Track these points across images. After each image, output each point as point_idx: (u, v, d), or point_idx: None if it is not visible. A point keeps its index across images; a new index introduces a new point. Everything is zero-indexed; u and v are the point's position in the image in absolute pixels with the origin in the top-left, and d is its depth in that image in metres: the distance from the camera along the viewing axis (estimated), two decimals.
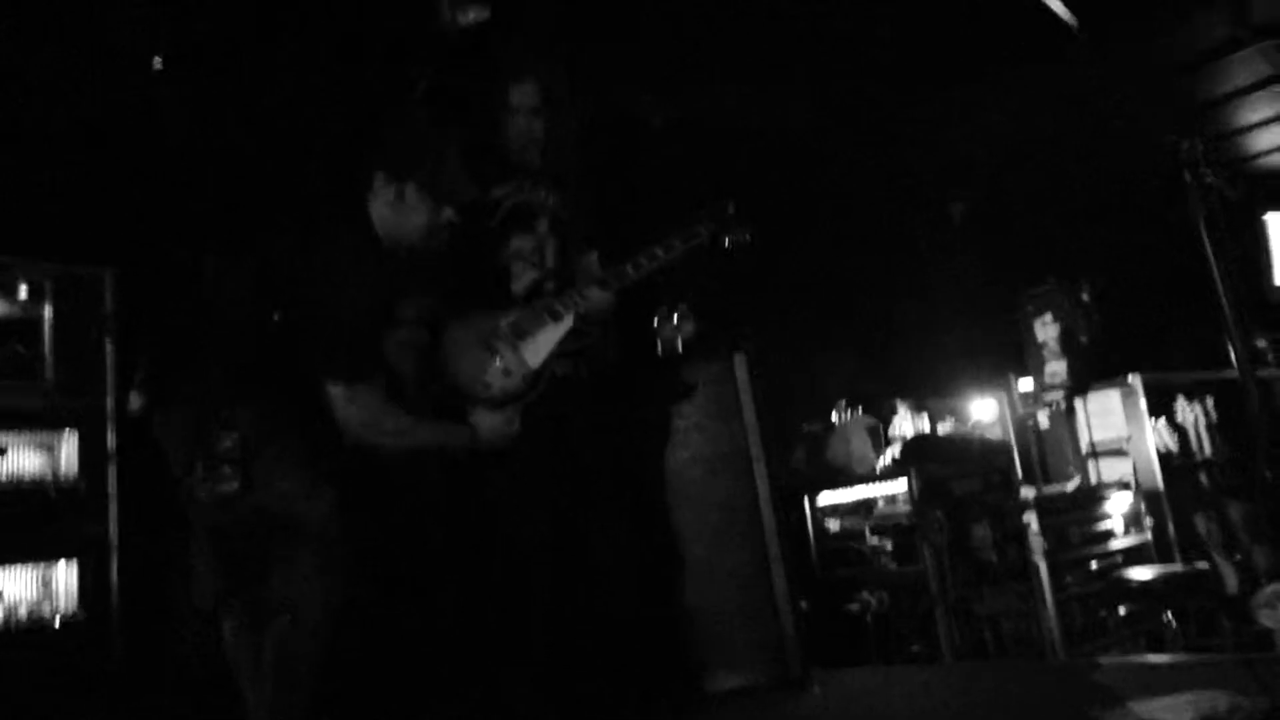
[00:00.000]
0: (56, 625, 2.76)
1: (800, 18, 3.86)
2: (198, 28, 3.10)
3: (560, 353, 2.64)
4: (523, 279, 2.74)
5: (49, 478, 2.85)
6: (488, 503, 2.64)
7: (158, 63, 3.20)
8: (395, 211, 2.31)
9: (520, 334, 2.61)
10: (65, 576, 2.80)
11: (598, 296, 2.65)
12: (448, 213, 2.36)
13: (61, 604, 2.78)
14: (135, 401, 2.30)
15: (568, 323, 2.63)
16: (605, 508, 2.72)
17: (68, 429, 2.91)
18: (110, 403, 3.00)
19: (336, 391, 2.17)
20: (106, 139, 3.15)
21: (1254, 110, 5.34)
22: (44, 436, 2.88)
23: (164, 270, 3.00)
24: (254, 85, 3.19)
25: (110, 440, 2.99)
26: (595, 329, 2.73)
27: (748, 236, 2.72)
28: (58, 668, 2.71)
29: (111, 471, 2.97)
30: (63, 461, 2.90)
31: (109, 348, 3.03)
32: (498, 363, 2.55)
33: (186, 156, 3.19)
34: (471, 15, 3.31)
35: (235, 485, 2.09)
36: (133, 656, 2.84)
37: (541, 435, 2.57)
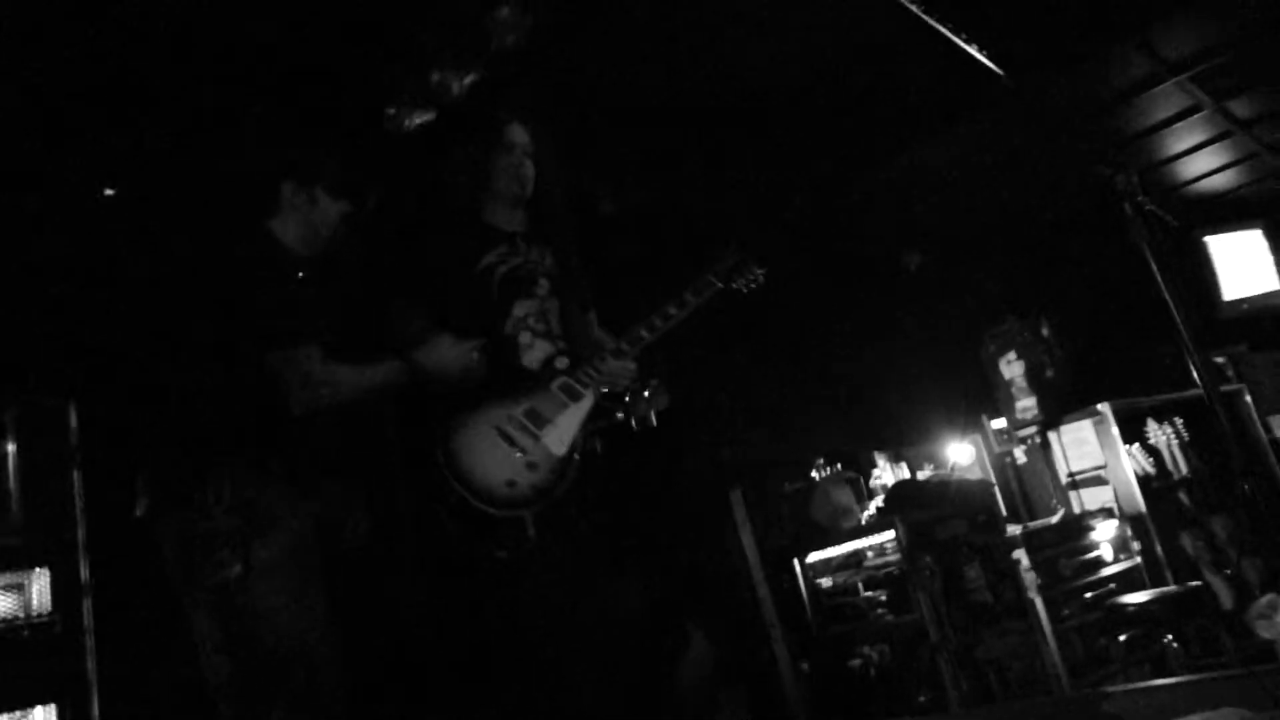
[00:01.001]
0: None
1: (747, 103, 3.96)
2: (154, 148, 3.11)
3: (588, 433, 2.44)
4: (533, 350, 2.53)
5: (20, 617, 2.76)
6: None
7: (108, 192, 3.21)
8: (307, 215, 2.43)
9: (539, 421, 2.38)
10: None
11: (616, 367, 2.47)
12: (342, 205, 2.45)
13: None
14: (141, 507, 2.30)
15: (589, 401, 2.44)
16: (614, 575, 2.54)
17: (38, 567, 2.83)
18: (81, 535, 2.93)
19: (272, 359, 2.18)
20: (64, 271, 3.14)
21: (1179, 140, 5.54)
22: (13, 576, 2.79)
23: (128, 396, 2.97)
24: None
25: (84, 573, 2.91)
26: (619, 403, 2.54)
27: (759, 274, 2.57)
28: None
29: (87, 606, 2.88)
30: (34, 599, 2.82)
31: (76, 479, 2.98)
32: (519, 456, 2.32)
33: (141, 284, 3.19)
34: (418, 119, 3.37)
35: (237, 569, 2.05)
36: None
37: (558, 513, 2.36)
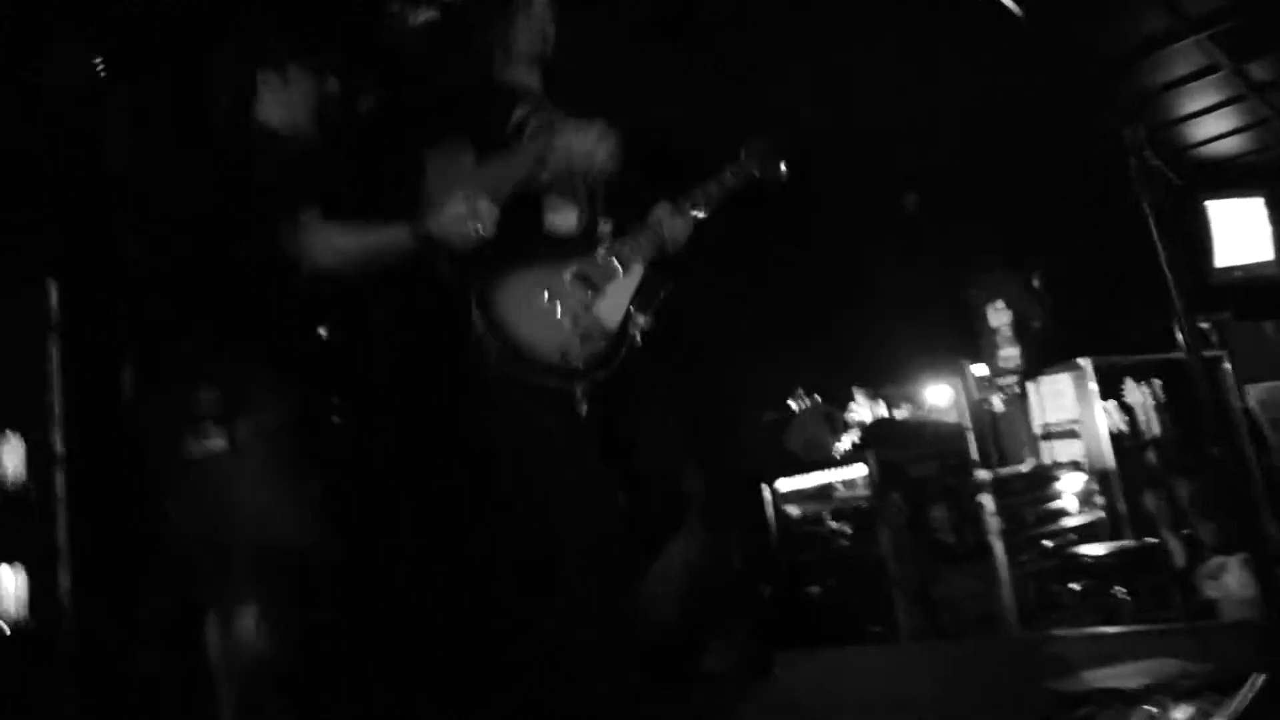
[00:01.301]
0: (7, 632, 2.70)
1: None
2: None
3: (637, 309, 2.20)
4: (561, 214, 2.26)
5: None
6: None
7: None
8: (285, 96, 2.35)
9: (589, 287, 2.15)
10: (13, 581, 2.74)
11: (674, 226, 2.24)
12: (332, 82, 2.41)
13: (10, 609, 2.72)
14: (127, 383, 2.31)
15: (639, 271, 2.21)
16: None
17: (9, 430, 2.85)
18: (58, 405, 2.94)
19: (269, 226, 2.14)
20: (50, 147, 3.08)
21: (1192, 100, 5.46)
22: None
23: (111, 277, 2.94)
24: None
25: (57, 444, 2.93)
26: (669, 276, 2.28)
27: (783, 172, 2.38)
28: (6, 674, 2.66)
29: (60, 477, 2.91)
30: (8, 467, 2.85)
31: (54, 349, 2.97)
32: (570, 324, 2.08)
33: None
34: (422, 17, 3.24)
35: (222, 443, 2.06)
36: (85, 666, 2.78)
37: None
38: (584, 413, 2.06)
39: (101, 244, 3.09)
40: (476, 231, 2.05)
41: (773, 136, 2.41)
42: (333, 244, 2.14)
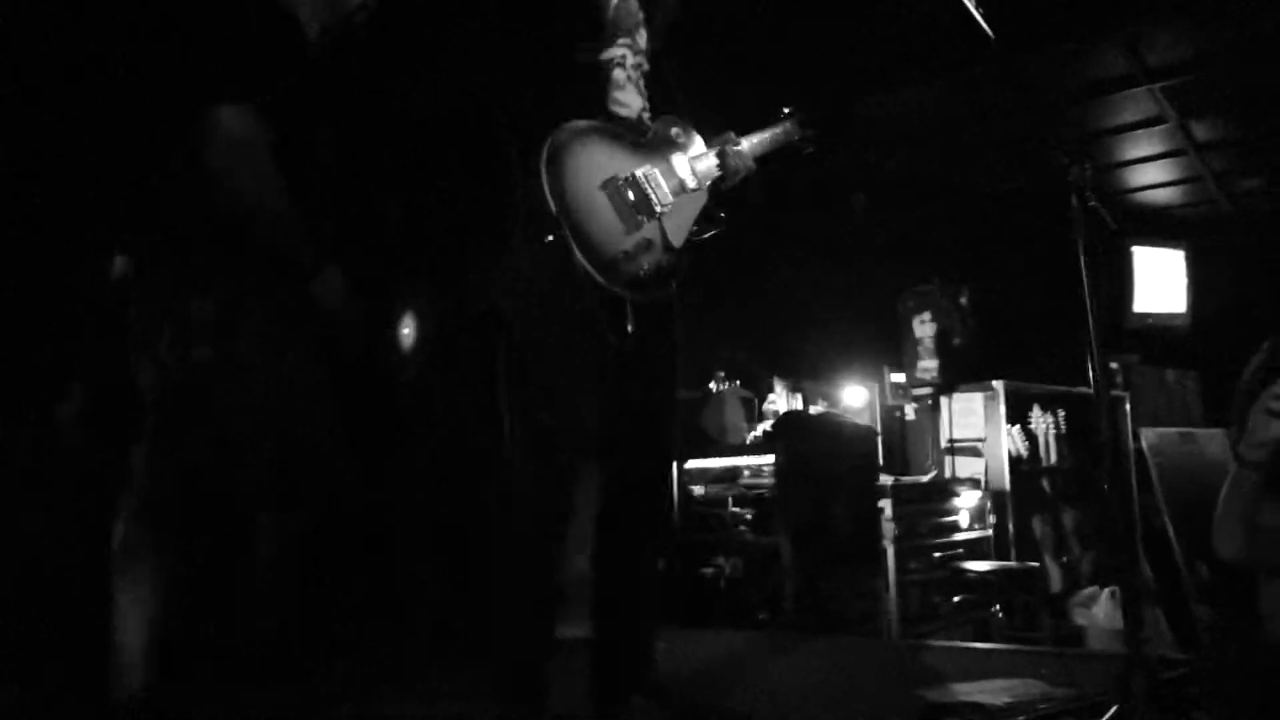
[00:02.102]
0: None
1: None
2: None
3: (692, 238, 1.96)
4: (625, 92, 1.98)
5: None
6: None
7: None
8: None
9: (659, 194, 1.89)
10: None
11: (741, 161, 2.02)
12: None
13: None
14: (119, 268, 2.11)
15: (702, 197, 1.98)
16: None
17: None
18: None
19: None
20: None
21: (1136, 147, 5.63)
22: None
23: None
24: None
25: None
26: (723, 214, 2.03)
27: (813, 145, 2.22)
28: None
29: None
30: None
31: None
32: (635, 227, 1.82)
33: None
34: None
35: (209, 354, 1.93)
36: None
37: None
38: (631, 329, 1.81)
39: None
40: None
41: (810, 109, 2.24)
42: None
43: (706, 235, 2.00)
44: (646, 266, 1.83)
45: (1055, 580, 5.01)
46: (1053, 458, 5.40)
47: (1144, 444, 5.89)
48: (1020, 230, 5.45)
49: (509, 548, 1.90)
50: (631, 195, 1.84)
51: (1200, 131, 5.43)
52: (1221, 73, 4.65)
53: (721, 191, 2.03)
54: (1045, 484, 5.37)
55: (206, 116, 1.94)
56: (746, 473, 4.07)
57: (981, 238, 5.82)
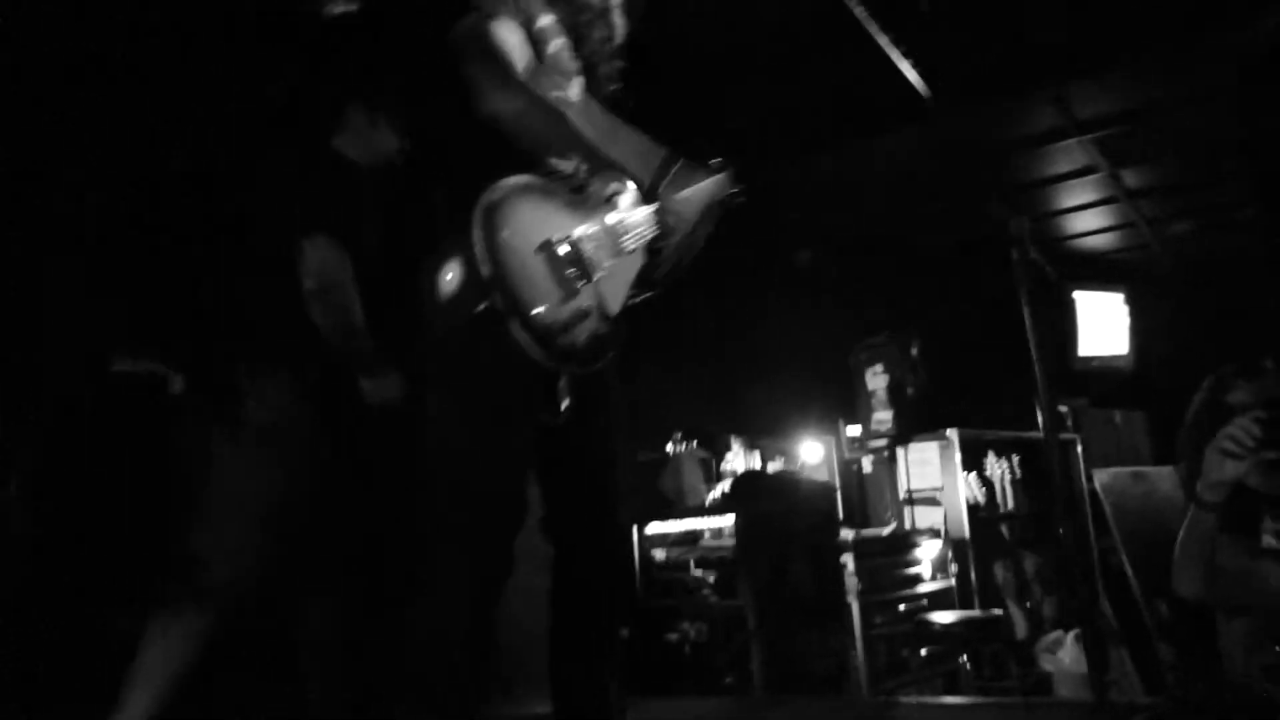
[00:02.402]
0: None
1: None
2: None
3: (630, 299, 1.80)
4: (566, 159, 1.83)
5: None
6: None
7: None
8: (367, 140, 2.52)
9: (597, 258, 1.71)
10: None
11: (679, 220, 1.87)
12: (405, 143, 2.54)
13: None
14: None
15: (639, 259, 1.82)
16: None
17: None
18: None
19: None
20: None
21: (1071, 195, 5.80)
22: None
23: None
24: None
25: None
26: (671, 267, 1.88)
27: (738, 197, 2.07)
28: None
29: None
30: None
31: None
32: (569, 295, 1.63)
33: None
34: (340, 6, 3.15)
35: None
36: None
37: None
38: (565, 408, 1.66)
39: None
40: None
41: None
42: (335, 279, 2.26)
43: (641, 299, 1.86)
44: (583, 337, 1.63)
45: (1020, 626, 5.01)
46: (1010, 503, 5.44)
47: (1097, 485, 5.98)
48: (966, 280, 5.55)
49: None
50: (568, 259, 1.65)
51: (1131, 179, 5.62)
52: (1149, 124, 4.82)
53: (659, 252, 1.89)
54: (1004, 530, 5.39)
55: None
56: (707, 535, 4.02)
57: (928, 289, 5.91)
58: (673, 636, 3.85)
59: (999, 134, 4.86)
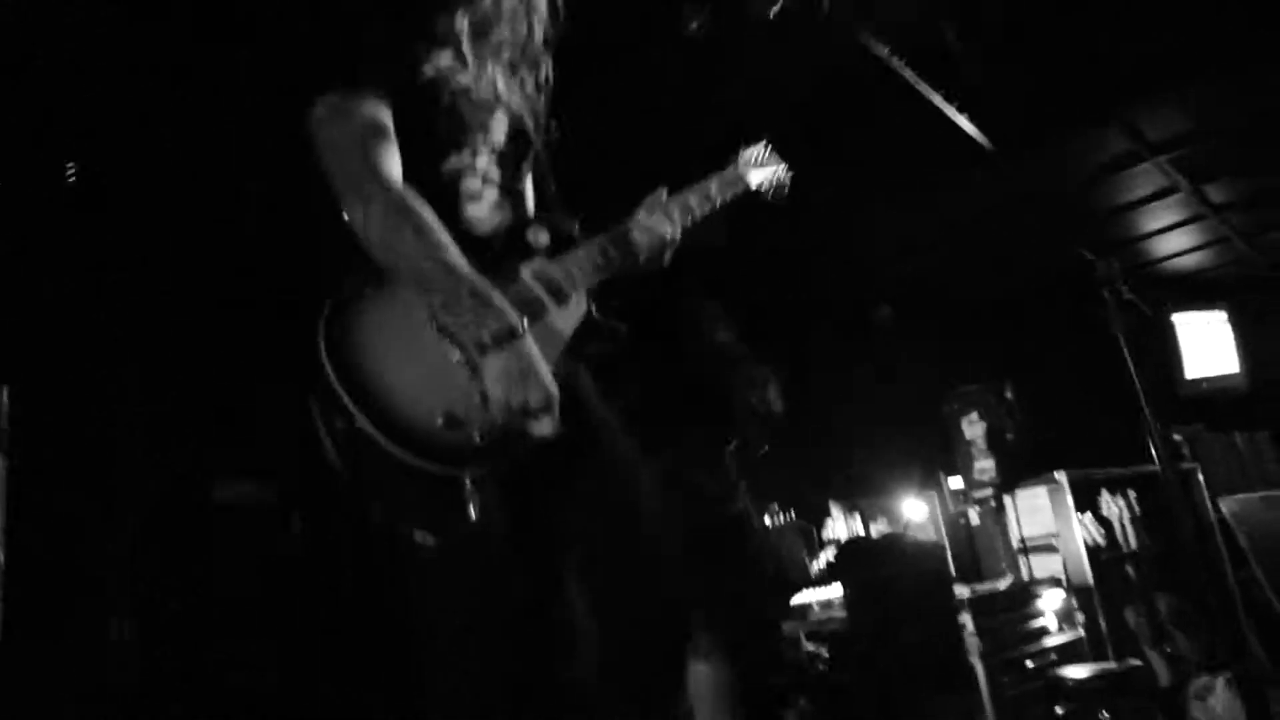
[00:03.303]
0: None
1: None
2: None
3: (575, 361, 1.56)
4: (481, 203, 1.58)
5: None
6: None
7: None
8: None
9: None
10: None
11: (653, 235, 1.64)
12: None
13: None
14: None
15: (580, 306, 1.56)
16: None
17: None
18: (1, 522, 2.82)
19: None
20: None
21: (1155, 218, 5.63)
22: None
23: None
24: None
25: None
26: (613, 322, 1.61)
27: (786, 177, 1.97)
28: None
29: None
30: None
31: (3, 464, 2.87)
32: (469, 377, 1.37)
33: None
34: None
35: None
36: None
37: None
38: (473, 516, 1.37)
39: (63, 351, 3.04)
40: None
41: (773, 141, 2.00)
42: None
43: (597, 355, 1.59)
44: (481, 428, 1.35)
45: (1162, 674, 4.71)
46: (1132, 542, 5.17)
47: (1226, 513, 5.68)
48: (1054, 318, 5.40)
49: None
50: (462, 339, 1.37)
51: (1215, 194, 5.42)
52: (1223, 138, 4.67)
53: (627, 281, 1.64)
54: (1131, 571, 5.12)
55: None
56: (816, 607, 3.91)
57: (1016, 330, 5.77)
58: (788, 714, 3.72)
59: (1071, 167, 4.76)
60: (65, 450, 3.04)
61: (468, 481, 1.37)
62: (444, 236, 1.42)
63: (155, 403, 3.07)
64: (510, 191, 1.63)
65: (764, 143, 1.98)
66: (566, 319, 1.53)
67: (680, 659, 1.61)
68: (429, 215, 1.43)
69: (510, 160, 1.66)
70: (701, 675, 2.42)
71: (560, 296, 1.52)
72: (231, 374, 3.19)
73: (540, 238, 1.57)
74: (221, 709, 2.77)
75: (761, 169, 1.96)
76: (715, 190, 1.83)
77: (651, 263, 1.66)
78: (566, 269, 1.55)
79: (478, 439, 1.35)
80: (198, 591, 2.89)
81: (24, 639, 2.74)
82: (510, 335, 1.36)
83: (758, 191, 1.96)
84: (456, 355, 1.37)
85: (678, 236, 1.69)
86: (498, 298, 1.38)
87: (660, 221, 1.66)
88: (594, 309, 1.57)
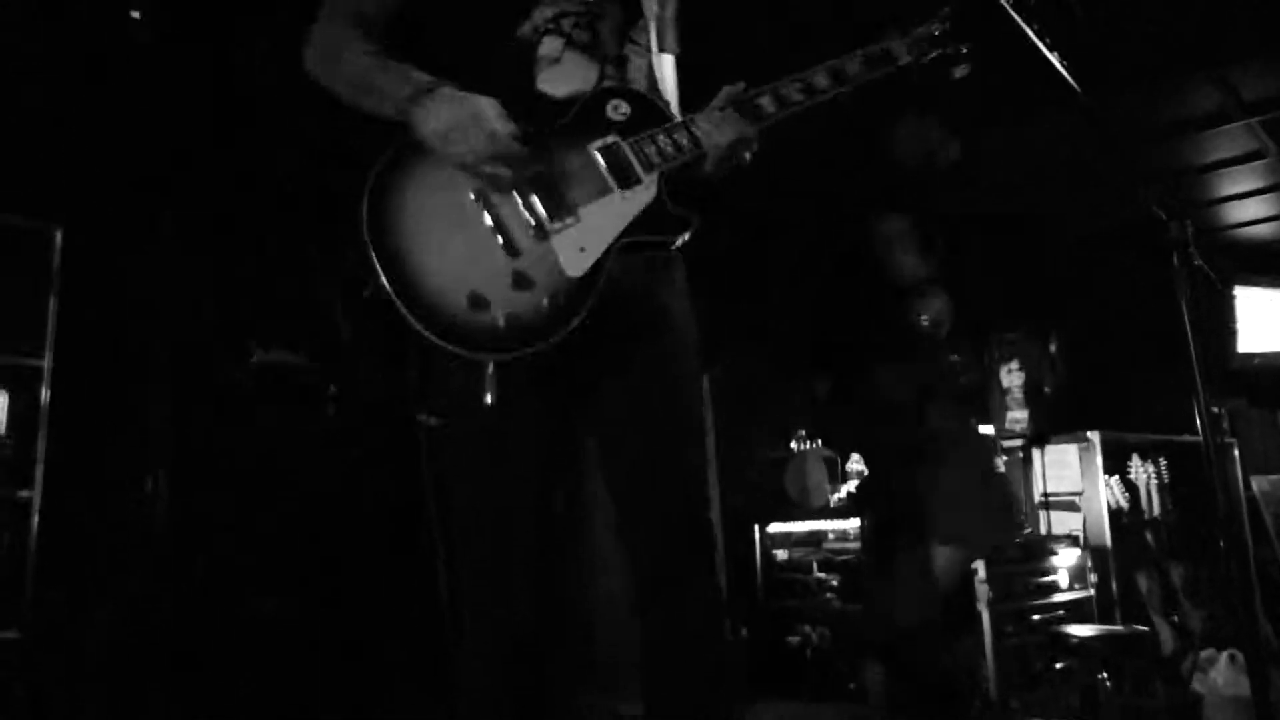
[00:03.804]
0: None
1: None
2: None
3: (628, 246, 1.43)
4: (561, 67, 1.50)
5: None
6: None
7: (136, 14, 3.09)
8: None
9: (556, 203, 1.39)
10: None
11: (729, 132, 1.48)
12: None
13: None
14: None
15: (647, 192, 1.44)
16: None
17: None
18: (49, 363, 2.89)
19: None
20: (63, 91, 3.04)
21: (1234, 183, 5.41)
22: None
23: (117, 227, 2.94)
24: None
25: (44, 399, 2.88)
26: (695, 207, 1.48)
27: (966, 58, 1.77)
28: None
29: (42, 435, 2.86)
30: None
31: (53, 306, 2.92)
32: (504, 256, 1.34)
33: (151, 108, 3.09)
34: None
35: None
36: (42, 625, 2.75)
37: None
38: (489, 401, 1.32)
39: (112, 197, 3.06)
40: (470, 160, 1.34)
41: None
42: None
43: (671, 245, 1.49)
44: (508, 313, 1.31)
45: (1167, 642, 4.72)
46: (1156, 509, 5.12)
47: (1256, 492, 5.60)
48: (1111, 272, 5.24)
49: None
50: (503, 213, 1.34)
51: None
52: None
53: (700, 179, 1.51)
54: (1149, 537, 5.09)
55: None
56: (831, 536, 3.94)
57: (1069, 281, 5.62)
58: (794, 639, 3.79)
59: (1155, 118, 4.55)
60: (112, 298, 3.09)
61: (489, 366, 1.33)
62: (420, 75, 1.41)
63: (196, 269, 3.10)
64: (602, 58, 1.52)
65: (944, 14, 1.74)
66: (633, 200, 1.44)
67: (709, 542, 1.55)
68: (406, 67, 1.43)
69: (609, 24, 1.55)
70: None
71: (625, 177, 1.44)
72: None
73: (618, 111, 1.47)
74: (246, 559, 2.86)
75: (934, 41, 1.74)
76: (852, 68, 1.61)
77: (724, 162, 1.52)
78: (641, 149, 1.46)
79: (501, 324, 1.31)
80: (232, 453, 2.97)
81: (65, 490, 2.85)
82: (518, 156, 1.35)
83: (909, 69, 1.73)
84: (495, 239, 1.35)
85: (753, 134, 1.52)
86: (502, 124, 1.34)
87: (730, 119, 1.50)
88: (665, 195, 1.46)
